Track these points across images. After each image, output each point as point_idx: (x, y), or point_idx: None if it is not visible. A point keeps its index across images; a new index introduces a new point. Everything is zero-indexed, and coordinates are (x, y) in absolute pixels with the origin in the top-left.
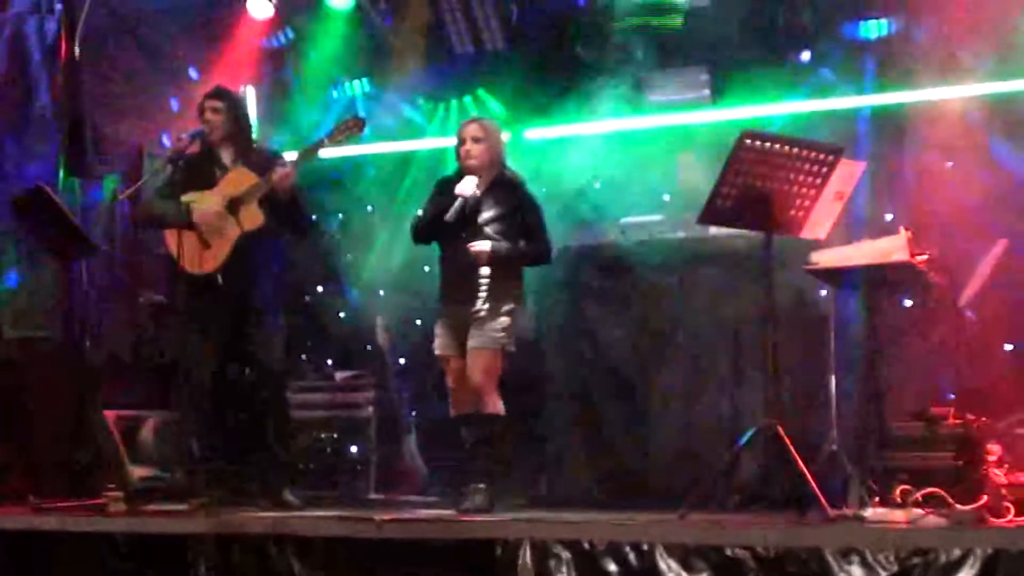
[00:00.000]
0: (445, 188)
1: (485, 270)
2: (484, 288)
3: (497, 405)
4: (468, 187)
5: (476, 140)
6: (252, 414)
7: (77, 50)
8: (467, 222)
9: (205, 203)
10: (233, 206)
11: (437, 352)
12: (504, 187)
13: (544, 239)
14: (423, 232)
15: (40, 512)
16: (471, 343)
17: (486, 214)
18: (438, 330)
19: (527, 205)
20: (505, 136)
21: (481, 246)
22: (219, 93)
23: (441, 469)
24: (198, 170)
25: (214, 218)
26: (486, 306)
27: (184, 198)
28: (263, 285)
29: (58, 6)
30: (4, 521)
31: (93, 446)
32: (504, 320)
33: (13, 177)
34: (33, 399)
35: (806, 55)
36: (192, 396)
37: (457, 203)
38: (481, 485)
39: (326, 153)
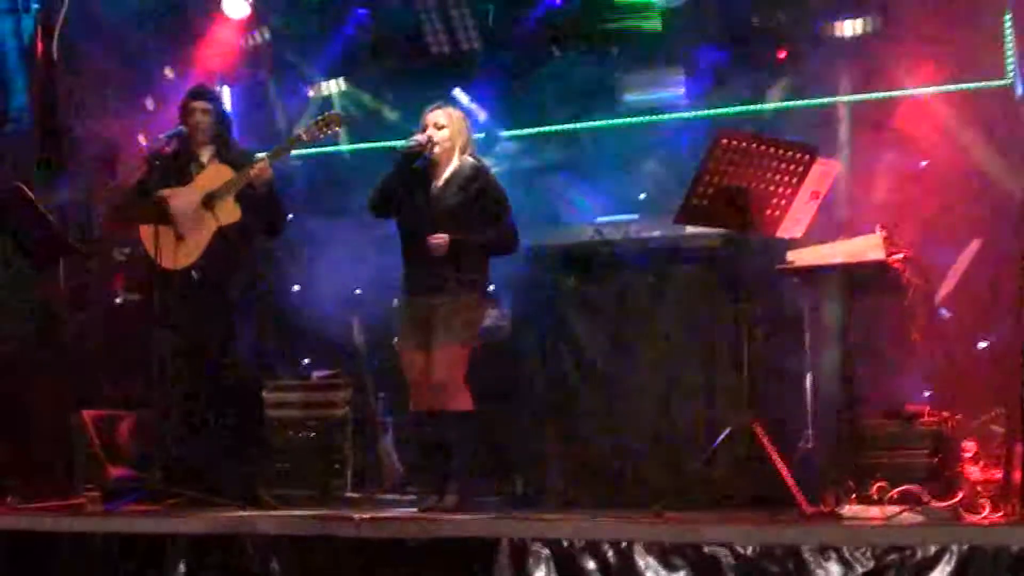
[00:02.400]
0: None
1: (448, 263)
2: (448, 281)
3: (465, 401)
4: (422, 135)
5: (439, 127)
6: (228, 413)
7: (54, 50)
8: (429, 212)
9: (182, 196)
10: (210, 201)
11: (397, 345)
12: (467, 176)
13: (509, 227)
14: (376, 201)
15: (17, 512)
16: (436, 339)
17: (449, 203)
18: (400, 323)
19: (490, 193)
20: (479, 135)
21: (439, 238)
22: (206, 94)
23: (417, 468)
24: (175, 169)
25: (190, 209)
26: (450, 300)
27: (159, 193)
28: (238, 282)
29: (34, 6)
30: None
31: (71, 446)
32: (470, 315)
33: None
34: (11, 400)
35: (782, 55)
36: (168, 395)
37: (410, 142)
38: (453, 484)
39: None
